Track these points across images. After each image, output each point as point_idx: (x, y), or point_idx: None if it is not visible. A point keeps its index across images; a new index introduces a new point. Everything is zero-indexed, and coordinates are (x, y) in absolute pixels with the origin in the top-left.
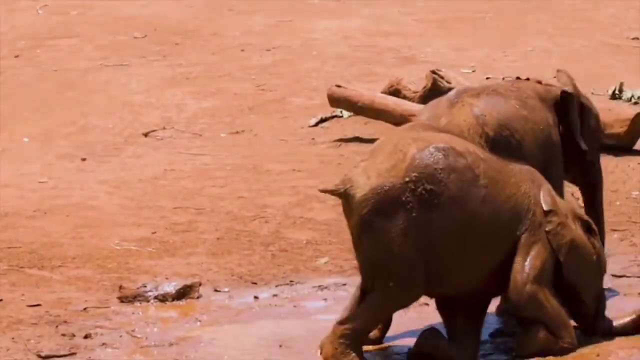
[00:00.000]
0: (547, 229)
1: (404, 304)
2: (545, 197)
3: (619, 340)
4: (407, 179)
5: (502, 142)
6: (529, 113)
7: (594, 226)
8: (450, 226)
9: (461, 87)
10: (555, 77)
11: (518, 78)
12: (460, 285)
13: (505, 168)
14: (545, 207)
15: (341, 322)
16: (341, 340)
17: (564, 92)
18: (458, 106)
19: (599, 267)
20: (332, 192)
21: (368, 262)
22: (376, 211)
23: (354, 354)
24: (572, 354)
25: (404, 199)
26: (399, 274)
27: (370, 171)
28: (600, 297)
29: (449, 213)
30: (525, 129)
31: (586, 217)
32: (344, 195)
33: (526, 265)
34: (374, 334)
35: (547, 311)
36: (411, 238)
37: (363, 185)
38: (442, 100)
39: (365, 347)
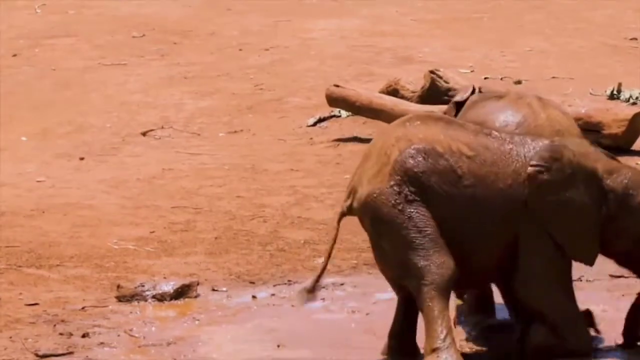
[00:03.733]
0: (535, 184)
1: (444, 294)
2: (540, 152)
3: None
4: (391, 183)
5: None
6: None
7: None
8: (442, 225)
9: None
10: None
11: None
12: (471, 282)
13: (504, 158)
14: (533, 161)
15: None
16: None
17: None
18: (547, 104)
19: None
20: (343, 215)
21: (393, 267)
22: (376, 218)
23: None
24: None
25: (393, 201)
26: (423, 269)
27: (363, 178)
28: None
29: (438, 213)
30: None
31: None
32: (353, 210)
33: (528, 259)
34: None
35: (549, 307)
36: (417, 228)
37: (359, 195)
38: (523, 100)
39: None
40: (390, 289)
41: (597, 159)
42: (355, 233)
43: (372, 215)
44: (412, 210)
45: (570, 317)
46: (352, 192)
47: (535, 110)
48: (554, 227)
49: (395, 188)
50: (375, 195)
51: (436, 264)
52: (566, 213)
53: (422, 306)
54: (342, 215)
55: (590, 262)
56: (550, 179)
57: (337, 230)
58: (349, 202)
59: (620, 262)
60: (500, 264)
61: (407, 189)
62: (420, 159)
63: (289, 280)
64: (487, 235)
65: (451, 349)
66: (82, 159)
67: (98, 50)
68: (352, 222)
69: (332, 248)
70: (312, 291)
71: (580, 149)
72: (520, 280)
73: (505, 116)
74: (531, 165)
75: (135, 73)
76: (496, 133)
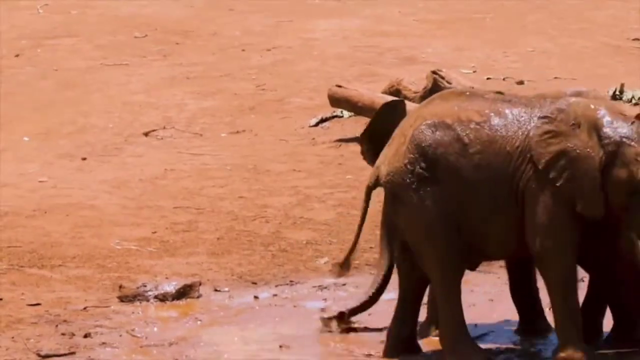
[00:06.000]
0: (537, 133)
1: (452, 276)
2: (550, 106)
3: None
4: (405, 162)
5: None
6: None
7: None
8: (453, 198)
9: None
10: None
11: None
12: (495, 253)
13: (515, 120)
14: (539, 115)
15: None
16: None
17: None
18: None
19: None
20: (369, 189)
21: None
22: (393, 197)
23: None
24: None
25: (408, 180)
26: (433, 250)
27: (385, 158)
28: None
29: (446, 186)
30: None
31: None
32: (377, 186)
33: (534, 222)
34: None
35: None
36: (430, 213)
37: (381, 174)
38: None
39: None
40: (391, 289)
41: (603, 113)
42: None
43: (389, 194)
44: (424, 190)
45: (569, 277)
46: (376, 170)
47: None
48: (556, 175)
49: (409, 167)
50: (392, 174)
51: (444, 249)
52: (568, 162)
53: (434, 292)
54: (369, 189)
55: (596, 211)
56: (553, 128)
57: (367, 204)
58: (374, 178)
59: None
60: (517, 232)
61: (419, 167)
62: (429, 133)
63: (291, 281)
64: (497, 202)
65: (464, 340)
66: (84, 159)
67: (100, 51)
68: (354, 222)
69: (362, 222)
70: (344, 266)
71: (590, 103)
72: (530, 234)
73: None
74: (538, 118)
75: (137, 73)
76: (516, 98)
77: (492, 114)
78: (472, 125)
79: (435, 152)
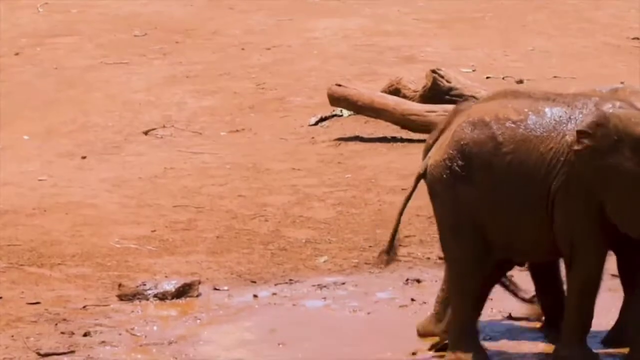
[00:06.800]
0: (576, 149)
1: (470, 275)
2: (587, 118)
3: None
4: (445, 157)
5: None
6: None
7: None
8: (485, 196)
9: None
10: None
11: None
12: (525, 254)
13: (553, 121)
14: (577, 127)
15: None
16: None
17: None
18: None
19: None
20: (418, 177)
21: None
22: (431, 191)
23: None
24: None
25: (445, 175)
26: (457, 247)
27: (434, 150)
28: None
29: (479, 185)
30: None
31: None
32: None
33: (565, 226)
34: None
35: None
36: (459, 211)
37: (426, 164)
38: None
39: None
40: (391, 288)
41: None
42: (356, 232)
43: (427, 185)
44: (458, 188)
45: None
46: (426, 160)
47: None
48: (598, 190)
49: (447, 162)
50: (433, 167)
51: (468, 248)
52: (610, 179)
53: (449, 290)
54: (418, 177)
55: (637, 231)
56: (594, 145)
57: (413, 189)
58: (423, 168)
59: None
60: (546, 234)
61: (455, 164)
62: (468, 130)
63: (290, 280)
64: (527, 203)
65: (467, 339)
66: (84, 157)
67: (100, 49)
68: (353, 221)
69: (404, 206)
70: (389, 253)
71: (629, 115)
72: (560, 238)
73: None
74: (577, 132)
75: (137, 72)
76: (560, 97)
77: (530, 113)
78: (508, 124)
79: (471, 150)
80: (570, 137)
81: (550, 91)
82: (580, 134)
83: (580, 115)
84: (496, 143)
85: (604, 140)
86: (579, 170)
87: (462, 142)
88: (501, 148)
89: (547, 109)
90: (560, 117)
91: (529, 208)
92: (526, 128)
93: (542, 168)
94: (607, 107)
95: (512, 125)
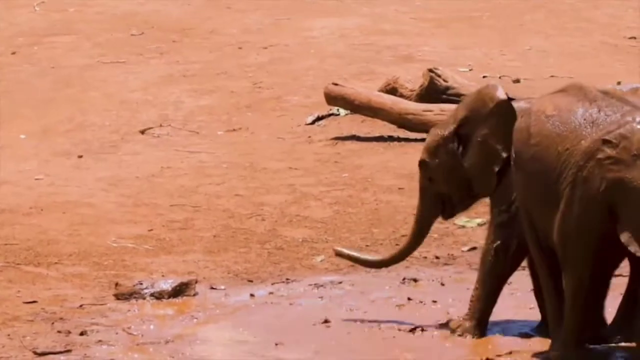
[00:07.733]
0: (597, 157)
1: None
2: (611, 126)
3: None
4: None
5: None
6: None
7: None
8: (519, 185)
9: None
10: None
11: None
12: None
13: (582, 121)
14: (603, 136)
15: None
16: None
17: None
18: None
19: None
20: None
21: None
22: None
23: None
24: None
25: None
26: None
27: None
28: None
29: (516, 173)
30: None
31: None
32: None
33: (563, 226)
34: None
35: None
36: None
37: None
38: None
39: None
40: (387, 287)
41: None
42: (353, 231)
43: None
44: (515, 172)
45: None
46: None
47: None
48: (612, 201)
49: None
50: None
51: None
52: (627, 193)
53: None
54: None
55: None
56: (614, 155)
57: None
58: None
59: None
60: None
61: (514, 151)
62: (519, 119)
63: (287, 279)
64: (545, 197)
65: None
66: (81, 157)
67: (98, 48)
68: (350, 220)
69: None
70: None
71: None
72: (557, 236)
73: None
74: (602, 140)
75: (134, 71)
76: (604, 99)
77: (563, 110)
78: (542, 118)
79: (515, 139)
80: (585, 142)
81: (618, 90)
82: (606, 142)
83: (605, 122)
84: (528, 134)
85: (624, 153)
86: (587, 177)
87: (514, 131)
88: (530, 140)
89: (580, 110)
90: (585, 119)
91: (547, 202)
92: (553, 125)
93: (557, 167)
94: (636, 119)
95: (544, 119)
